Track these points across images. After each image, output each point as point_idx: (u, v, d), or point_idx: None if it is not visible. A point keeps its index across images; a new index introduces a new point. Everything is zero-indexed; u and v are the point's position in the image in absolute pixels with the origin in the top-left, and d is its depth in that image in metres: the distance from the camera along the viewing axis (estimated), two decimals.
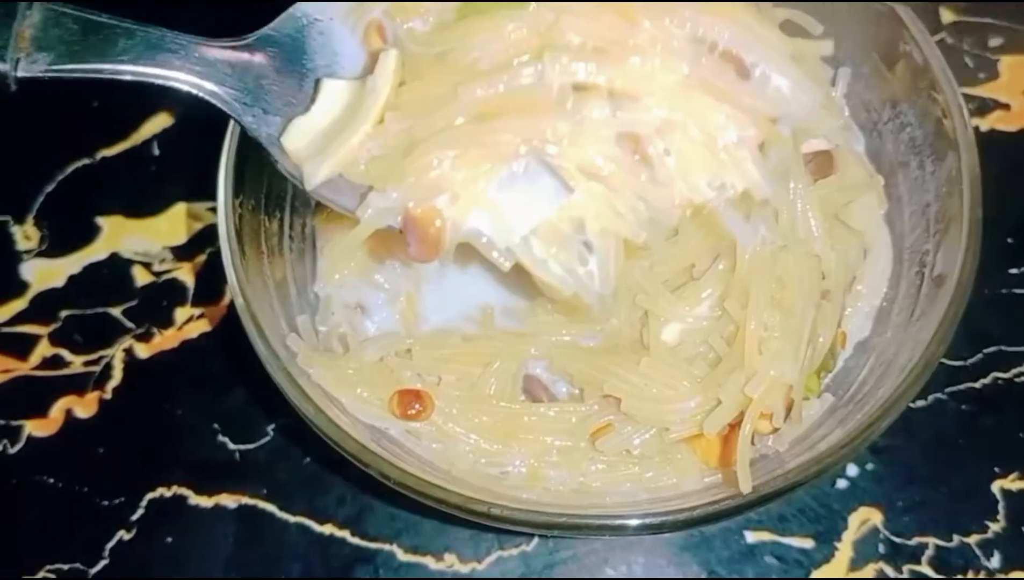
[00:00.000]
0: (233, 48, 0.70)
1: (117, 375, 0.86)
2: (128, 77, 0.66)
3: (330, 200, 0.67)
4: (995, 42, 0.96)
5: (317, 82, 0.70)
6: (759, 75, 0.67)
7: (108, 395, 0.85)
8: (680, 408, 0.68)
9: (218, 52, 0.69)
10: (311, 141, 0.68)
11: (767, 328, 0.67)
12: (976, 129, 0.86)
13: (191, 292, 0.90)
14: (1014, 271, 0.86)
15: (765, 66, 0.67)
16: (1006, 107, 0.93)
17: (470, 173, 0.63)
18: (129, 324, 0.88)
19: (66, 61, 0.65)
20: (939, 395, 0.81)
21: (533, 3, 0.67)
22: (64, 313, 0.89)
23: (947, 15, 0.97)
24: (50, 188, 0.95)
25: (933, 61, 0.72)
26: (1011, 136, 0.92)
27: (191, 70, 0.68)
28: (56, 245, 0.92)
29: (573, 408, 0.71)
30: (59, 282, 0.90)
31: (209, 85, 0.68)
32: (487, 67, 0.67)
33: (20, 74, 0.64)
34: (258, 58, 0.71)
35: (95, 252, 0.91)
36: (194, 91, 0.68)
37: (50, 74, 0.65)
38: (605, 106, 0.63)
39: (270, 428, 0.84)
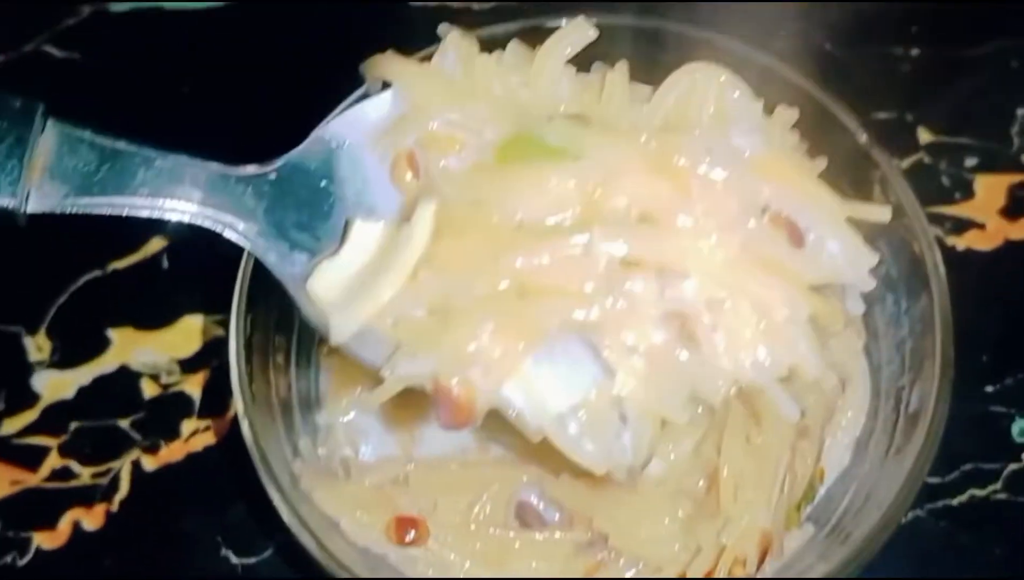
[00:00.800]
0: (258, 176, 0.67)
1: (124, 487, 0.85)
2: (145, 213, 0.63)
3: (355, 353, 0.63)
4: (971, 162, 0.96)
5: (347, 221, 0.66)
6: (813, 241, 0.63)
7: (115, 507, 0.85)
8: (664, 550, 0.68)
9: (241, 181, 0.66)
10: (339, 288, 0.65)
11: (741, 475, 0.68)
12: (952, 248, 0.91)
13: (197, 405, 0.89)
14: (990, 389, 0.86)
15: (820, 231, 0.63)
16: (982, 226, 0.93)
17: (508, 348, 0.59)
18: (137, 436, 0.87)
19: (81, 195, 0.61)
20: (918, 512, 0.80)
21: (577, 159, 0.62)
22: (74, 425, 0.88)
23: (924, 136, 0.98)
24: (62, 300, 0.93)
25: (906, 202, 0.72)
26: (986, 255, 0.92)
27: (212, 203, 0.64)
28: (67, 357, 0.91)
29: (563, 536, 0.71)
30: (69, 394, 0.89)
31: (231, 220, 0.65)
32: (529, 223, 0.62)
33: (31, 209, 0.61)
34: (284, 187, 0.67)
35: (105, 364, 0.90)
36: (216, 228, 0.64)
37: (62, 209, 0.61)
38: (653, 283, 0.59)
39: (273, 542, 0.83)
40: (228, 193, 0.65)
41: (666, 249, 0.60)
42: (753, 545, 0.67)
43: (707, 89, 0.66)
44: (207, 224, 0.64)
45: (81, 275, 0.96)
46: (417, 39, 0.73)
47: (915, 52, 1.04)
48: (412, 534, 0.70)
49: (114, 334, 0.93)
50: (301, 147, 0.68)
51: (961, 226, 0.94)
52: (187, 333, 0.94)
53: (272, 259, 0.65)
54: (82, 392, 0.89)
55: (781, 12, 1.00)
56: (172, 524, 0.83)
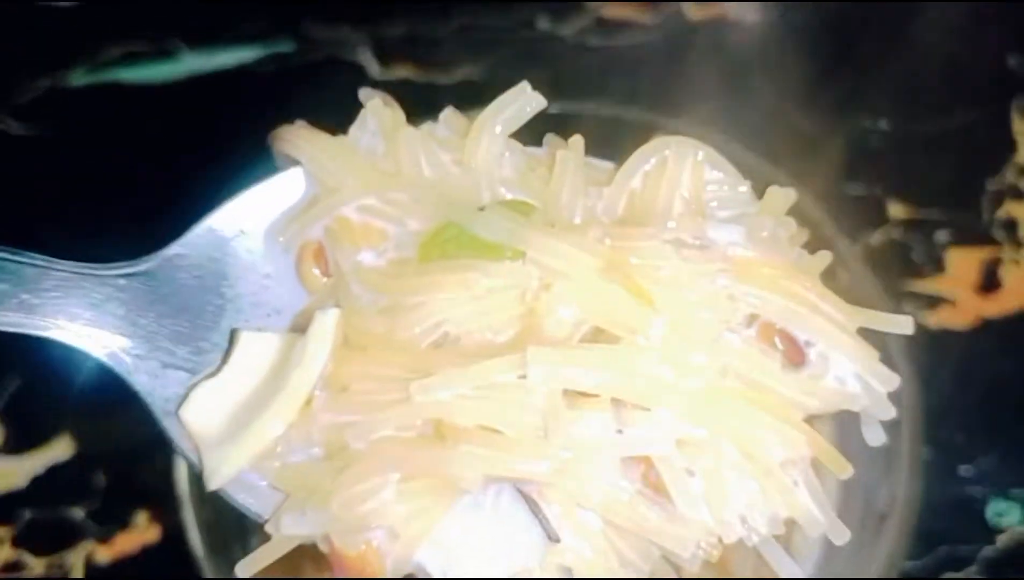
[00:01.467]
0: (128, 276, 0.55)
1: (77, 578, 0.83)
2: None
3: (234, 499, 0.49)
4: (942, 236, 0.95)
5: (233, 333, 0.52)
6: (815, 359, 0.49)
7: None
8: None
9: (108, 284, 0.54)
10: (218, 416, 0.51)
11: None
12: (924, 326, 0.90)
13: (152, 494, 0.86)
14: (965, 470, 0.84)
15: (824, 346, 0.48)
16: (953, 302, 0.92)
17: (418, 508, 0.45)
18: (91, 526, 0.85)
19: None
20: None
21: (516, 252, 0.48)
22: (26, 515, 0.86)
23: (894, 210, 0.96)
24: (14, 386, 0.91)
25: (873, 289, 0.69)
26: (958, 333, 0.92)
27: (72, 314, 0.53)
28: (19, 443, 0.89)
29: None
30: (21, 482, 0.88)
31: (87, 331, 0.53)
32: (454, 339, 0.48)
33: None
34: (161, 289, 0.56)
35: (58, 452, 0.88)
36: (75, 343, 0.51)
37: None
38: (608, 421, 0.45)
39: None
40: (85, 298, 0.53)
41: (624, 377, 0.45)
42: None
43: (680, 168, 0.52)
44: (54, 335, 0.50)
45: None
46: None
47: (884, 126, 1.01)
48: None
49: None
50: (188, 235, 0.57)
51: (933, 302, 0.92)
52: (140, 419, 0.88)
53: (140, 380, 0.52)
54: (35, 482, 0.87)
55: (751, 84, 1.01)
56: None
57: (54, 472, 0.88)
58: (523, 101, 0.56)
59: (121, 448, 0.88)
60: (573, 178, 0.54)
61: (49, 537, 0.85)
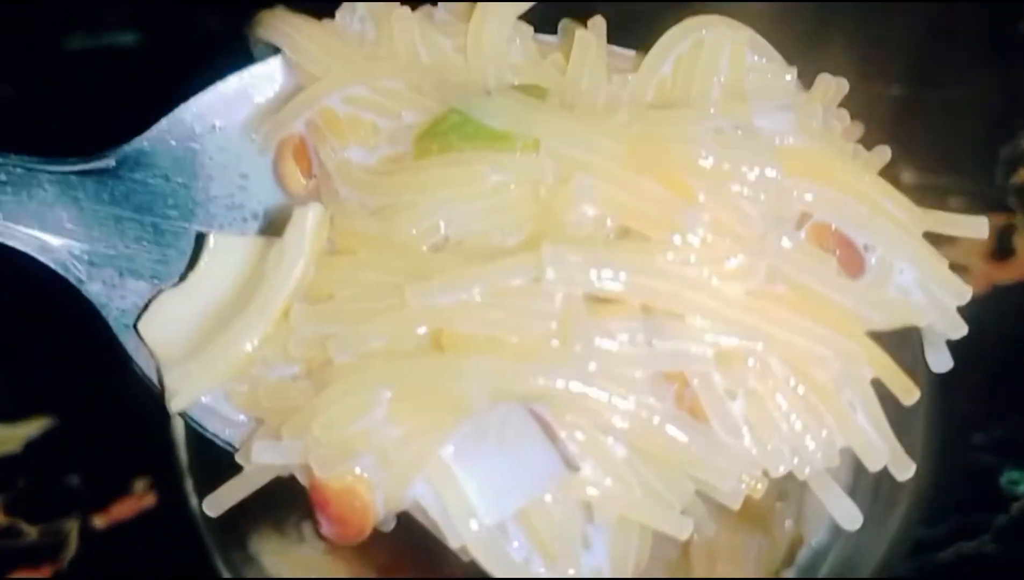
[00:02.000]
0: (84, 172, 0.48)
1: (72, 546, 0.82)
2: None
3: (200, 425, 0.42)
4: (955, 203, 0.93)
5: (200, 237, 0.45)
6: (876, 266, 0.41)
7: (63, 566, 0.81)
8: None
9: (60, 182, 0.47)
10: (182, 330, 0.44)
11: (713, 543, 0.66)
12: None
13: (149, 460, 0.83)
14: (978, 439, 0.82)
15: (887, 252, 0.41)
16: (966, 269, 0.89)
17: (414, 430, 0.37)
18: (86, 493, 0.83)
19: None
20: (903, 568, 0.74)
21: (528, 143, 0.41)
22: (20, 481, 0.84)
23: (907, 175, 0.93)
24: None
25: None
26: (973, 300, 0.82)
27: (15, 214, 0.46)
28: (13, 411, 0.86)
29: None
30: (15, 448, 0.85)
31: (34, 234, 0.47)
32: (456, 242, 0.41)
33: None
34: (119, 188, 0.49)
35: (53, 418, 0.86)
36: (19, 247, 0.46)
37: None
38: (636, 331, 0.38)
39: None
40: (34, 196, 0.47)
41: (655, 279, 0.38)
42: None
43: (718, 52, 0.45)
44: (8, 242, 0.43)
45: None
46: None
47: (898, 91, 0.99)
48: None
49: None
50: (153, 129, 0.50)
51: None
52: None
53: (95, 289, 0.46)
54: (30, 446, 0.85)
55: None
56: None
57: (49, 438, 0.87)
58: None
59: (117, 414, 0.83)
60: (594, 62, 0.46)
61: (44, 504, 0.84)
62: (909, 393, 0.42)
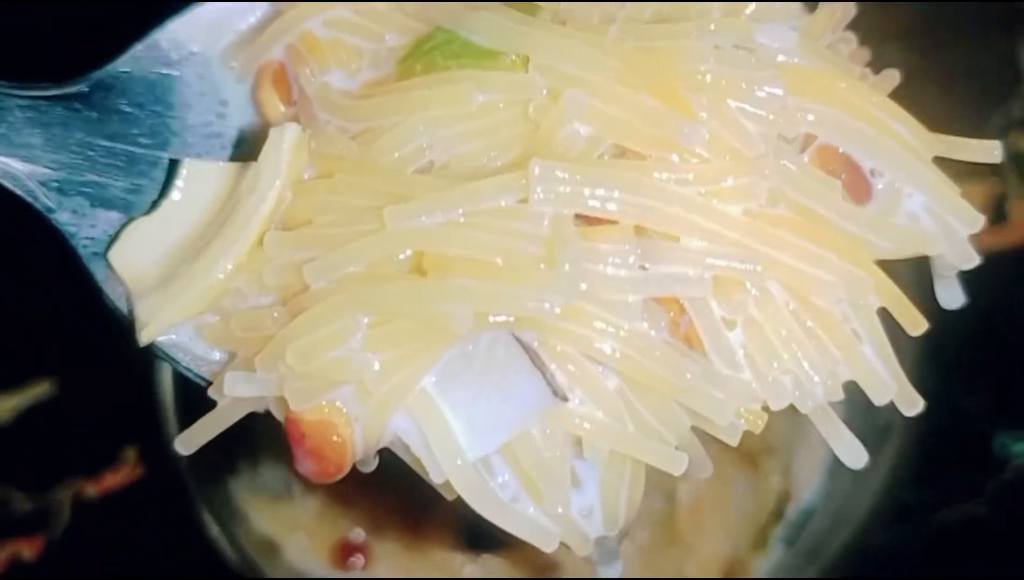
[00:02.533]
0: (54, 97, 0.46)
1: (65, 516, 0.82)
2: None
3: (173, 359, 0.40)
4: (946, 169, 0.89)
5: (173, 164, 0.42)
6: (884, 191, 0.39)
7: (55, 536, 0.81)
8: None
9: (28, 107, 0.45)
10: (155, 259, 0.41)
11: (699, 497, 0.67)
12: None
13: (140, 429, 0.82)
14: (971, 403, 0.82)
15: (895, 176, 0.39)
16: None
17: (394, 358, 0.35)
18: (78, 463, 0.83)
19: None
20: (896, 530, 0.76)
21: (516, 61, 0.38)
22: (11, 451, 0.84)
23: None
24: None
25: None
26: None
27: None
28: (3, 380, 0.86)
29: (515, 558, 0.67)
30: (7, 419, 0.85)
31: (5, 162, 0.44)
32: (442, 164, 0.39)
33: None
34: (91, 115, 0.47)
35: (43, 388, 0.86)
36: None
37: None
38: (629, 253, 0.35)
39: (220, 569, 0.76)
40: (3, 120, 0.44)
41: (650, 198, 0.35)
42: (715, 572, 0.65)
43: None
44: None
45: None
46: None
47: (888, 59, 0.92)
48: (356, 559, 0.69)
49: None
50: (125, 56, 0.48)
51: None
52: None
53: (64, 218, 0.43)
54: (21, 418, 0.85)
55: None
56: (114, 554, 0.80)
57: (40, 408, 0.86)
58: None
59: (108, 383, 0.85)
60: None
61: (36, 473, 0.84)
62: (917, 324, 0.40)
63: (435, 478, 0.39)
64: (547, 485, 0.39)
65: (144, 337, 0.42)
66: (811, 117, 0.40)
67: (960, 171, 0.88)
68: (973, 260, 0.41)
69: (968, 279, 0.85)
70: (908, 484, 0.69)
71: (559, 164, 0.37)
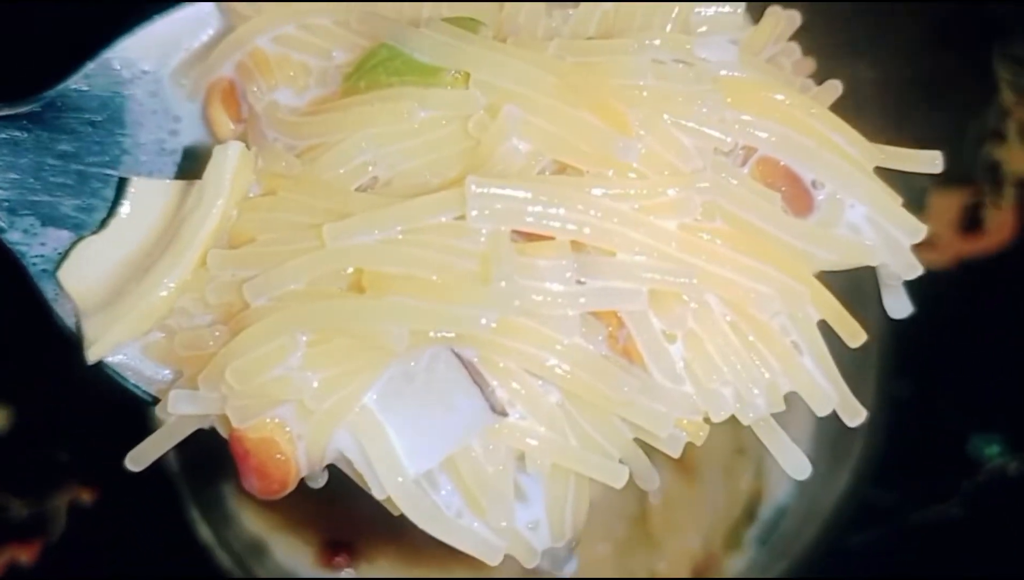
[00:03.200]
0: (5, 117, 0.47)
1: (61, 521, 0.83)
2: None
3: (120, 376, 0.40)
4: (923, 179, 0.86)
5: (122, 182, 0.43)
6: (824, 202, 0.39)
7: (52, 541, 0.82)
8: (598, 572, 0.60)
9: None
10: (102, 278, 0.42)
11: (670, 498, 0.68)
12: None
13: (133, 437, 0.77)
14: (945, 407, 0.83)
15: (836, 188, 0.39)
16: (934, 243, 0.91)
17: (334, 376, 0.35)
18: (75, 468, 0.84)
19: None
20: (874, 530, 0.78)
21: (458, 78, 0.39)
22: (9, 457, 0.85)
23: None
24: None
25: None
26: (939, 272, 0.90)
27: None
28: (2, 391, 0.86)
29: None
30: (4, 427, 0.85)
31: None
32: (385, 181, 0.39)
33: None
34: (44, 133, 0.48)
35: (40, 396, 0.86)
36: None
37: None
38: (566, 269, 0.35)
39: (214, 573, 0.79)
40: None
41: (585, 215, 0.36)
42: (685, 571, 0.66)
43: None
44: None
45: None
46: None
47: (867, 71, 0.97)
48: (342, 559, 0.70)
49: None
50: (76, 75, 0.48)
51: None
52: None
53: (14, 237, 0.43)
54: (19, 424, 0.86)
55: None
56: (111, 557, 0.81)
57: (37, 415, 0.87)
58: None
59: (100, 393, 0.84)
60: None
61: (33, 479, 0.84)
62: (855, 336, 0.40)
63: (377, 494, 0.39)
64: (490, 500, 0.39)
65: (91, 356, 0.42)
66: (750, 130, 0.40)
67: (936, 180, 0.88)
68: (916, 270, 0.41)
69: (945, 284, 0.88)
70: (882, 485, 0.70)
71: (495, 181, 0.37)
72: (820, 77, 0.88)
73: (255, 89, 0.46)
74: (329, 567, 0.72)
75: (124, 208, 0.45)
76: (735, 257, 0.39)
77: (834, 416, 0.59)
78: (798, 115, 0.41)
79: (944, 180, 0.89)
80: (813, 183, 0.42)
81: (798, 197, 0.41)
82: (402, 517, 0.67)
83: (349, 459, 0.40)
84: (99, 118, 0.48)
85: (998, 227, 0.95)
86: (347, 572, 0.72)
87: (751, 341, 0.39)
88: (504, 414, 0.38)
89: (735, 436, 0.70)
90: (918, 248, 0.77)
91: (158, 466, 0.70)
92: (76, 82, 0.48)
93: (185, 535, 0.82)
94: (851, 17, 0.99)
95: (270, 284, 0.39)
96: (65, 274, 0.44)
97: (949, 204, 0.95)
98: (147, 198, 0.45)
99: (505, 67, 0.41)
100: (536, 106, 0.40)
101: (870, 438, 0.70)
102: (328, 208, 0.40)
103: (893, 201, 0.41)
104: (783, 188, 0.41)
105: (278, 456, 0.40)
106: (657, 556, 0.69)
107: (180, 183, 0.44)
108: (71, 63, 0.50)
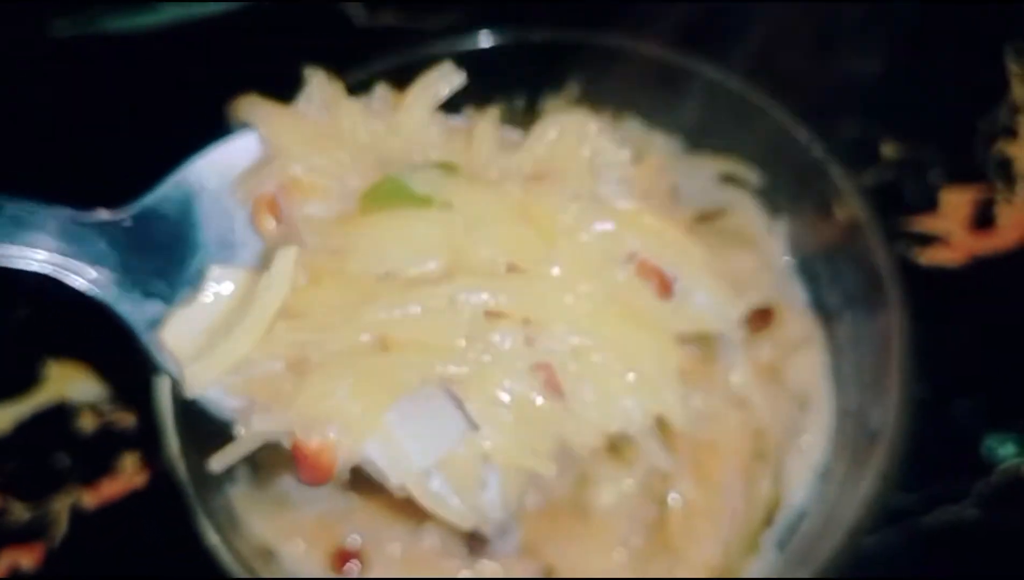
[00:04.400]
0: (110, 222, 0.64)
1: (63, 525, 0.85)
2: None
3: (210, 406, 0.62)
4: (935, 176, 0.95)
5: (205, 267, 0.64)
6: (680, 289, 0.62)
7: (54, 545, 0.84)
8: None
9: (94, 227, 0.63)
10: (193, 338, 0.62)
11: (690, 505, 0.68)
12: (917, 263, 0.89)
13: (138, 438, 0.88)
14: (959, 406, 0.84)
15: (687, 281, 0.62)
16: (946, 240, 0.92)
17: (367, 404, 0.57)
18: (76, 472, 0.86)
19: None
20: (888, 530, 0.78)
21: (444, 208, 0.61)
22: (10, 462, 0.87)
23: (887, 150, 0.96)
24: None
25: (863, 220, 0.72)
26: (953, 270, 0.91)
27: (61, 250, 0.62)
28: (3, 392, 0.90)
29: (514, 567, 0.71)
30: (6, 429, 0.89)
31: (80, 266, 0.62)
32: (394, 273, 0.61)
33: None
34: (139, 232, 0.65)
35: (43, 398, 0.90)
36: (62, 277, 0.62)
37: None
38: (519, 334, 0.58)
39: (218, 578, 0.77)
40: (79, 240, 0.62)
41: (531, 300, 0.59)
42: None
43: (577, 138, 0.65)
44: (52, 272, 0.62)
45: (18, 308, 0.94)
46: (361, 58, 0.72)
47: (877, 68, 1.00)
48: (353, 565, 0.70)
49: (52, 368, 0.91)
50: (158, 190, 0.66)
51: (926, 241, 0.92)
52: (127, 365, 0.87)
53: (125, 308, 0.63)
54: (20, 429, 0.89)
55: (740, 29, 0.98)
56: (112, 561, 0.82)
57: (39, 418, 0.89)
58: (445, 80, 0.67)
59: (106, 394, 0.90)
60: (490, 143, 0.66)
61: (34, 483, 0.86)
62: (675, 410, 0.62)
63: (394, 482, 0.61)
64: (466, 485, 0.61)
65: (190, 393, 0.61)
66: (632, 242, 0.63)
67: (947, 177, 0.92)
68: (739, 335, 0.65)
69: (958, 282, 0.89)
70: (897, 488, 0.66)
71: (475, 278, 0.59)
72: (832, 74, 0.96)
73: (293, 202, 0.67)
74: (340, 573, 0.71)
75: (207, 286, 0.64)
76: (625, 327, 0.61)
77: (852, 422, 0.71)
78: (663, 231, 0.64)
79: (955, 177, 0.94)
80: (674, 278, 0.65)
81: (663, 286, 0.64)
82: (412, 525, 0.73)
83: (373, 460, 0.61)
84: (176, 222, 0.65)
85: (1011, 223, 0.93)
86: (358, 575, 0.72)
87: (635, 382, 0.62)
88: (477, 428, 0.60)
89: (755, 442, 0.70)
90: (930, 245, 0.90)
91: (163, 471, 0.74)
92: (157, 196, 0.64)
93: (191, 540, 0.76)
94: (861, 12, 1.00)
95: (324, 345, 0.60)
96: (164, 333, 0.64)
97: (961, 201, 0.94)
98: (224, 280, 0.65)
99: (476, 200, 0.62)
100: (496, 225, 0.62)
101: (887, 441, 0.66)
102: (359, 295, 0.61)
103: (724, 289, 0.65)
104: (654, 280, 0.64)
105: (325, 460, 0.61)
106: (677, 563, 0.68)
107: (249, 271, 0.65)
108: (150, 179, 0.65)
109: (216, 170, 0.67)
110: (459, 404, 0.59)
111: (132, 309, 0.62)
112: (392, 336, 0.58)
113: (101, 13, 1.11)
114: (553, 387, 0.60)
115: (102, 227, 0.62)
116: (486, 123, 0.65)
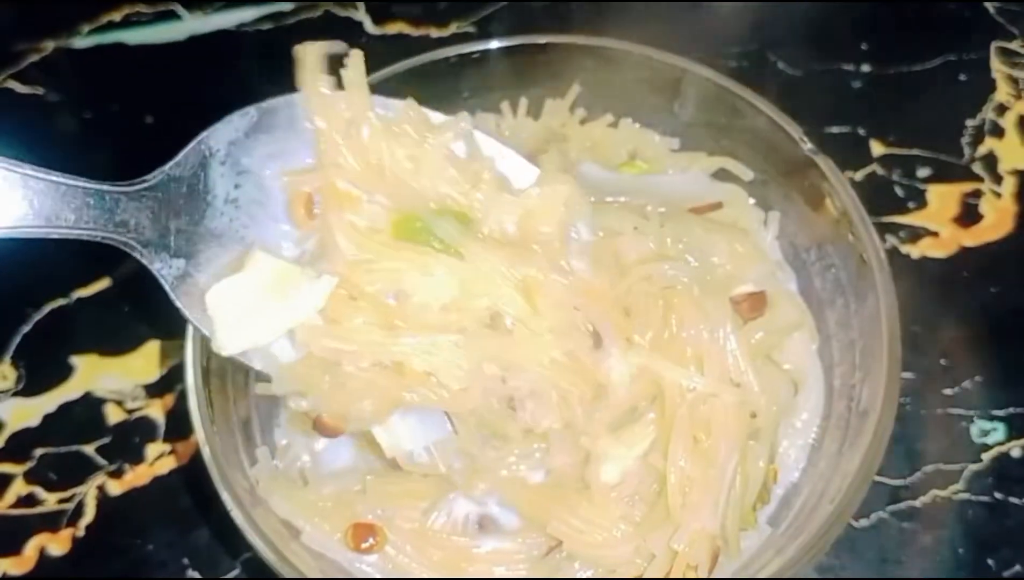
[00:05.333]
0: (138, 189, 0.70)
1: (90, 512, 0.89)
2: (22, 233, 0.62)
3: (241, 361, 0.76)
4: (923, 172, 0.98)
5: (250, 250, 0.76)
6: (607, 345, 0.83)
7: (81, 532, 0.88)
8: (618, 553, 0.71)
9: (124, 194, 0.69)
10: (233, 305, 0.73)
11: (688, 479, 0.69)
12: (907, 256, 0.94)
13: (162, 428, 0.93)
14: (949, 392, 0.86)
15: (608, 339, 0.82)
16: (935, 234, 0.95)
17: (379, 407, 0.76)
18: (102, 461, 0.91)
19: None
20: (881, 514, 0.82)
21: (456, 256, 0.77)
22: (39, 451, 0.92)
23: (877, 148, 1.00)
24: (26, 329, 0.99)
25: (852, 210, 0.76)
26: (941, 262, 0.94)
27: (100, 218, 0.67)
28: (32, 384, 0.95)
29: (521, 543, 0.75)
30: (35, 421, 0.93)
31: (119, 232, 0.68)
32: (406, 296, 0.77)
33: None
34: (164, 195, 0.71)
35: (70, 391, 0.95)
36: (97, 238, 0.67)
37: None
38: (498, 375, 0.78)
39: (239, 561, 0.87)
40: (115, 207, 0.67)
41: (512, 351, 0.77)
42: (704, 551, 0.68)
43: (553, 204, 0.80)
44: (100, 238, 0.66)
45: (45, 304, 1.00)
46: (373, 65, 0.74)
47: (866, 68, 1.03)
48: (370, 541, 0.74)
49: (78, 361, 0.97)
50: (178, 157, 0.71)
51: (915, 235, 0.95)
52: (151, 358, 0.98)
53: (157, 266, 0.69)
54: (47, 419, 0.93)
55: (733, 31, 1.03)
56: (138, 547, 0.86)
57: (66, 410, 0.93)
58: (457, 129, 0.79)
59: (128, 387, 0.94)
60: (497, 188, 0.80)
61: (61, 472, 0.90)
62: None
63: (388, 454, 0.79)
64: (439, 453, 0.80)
65: (223, 352, 0.72)
66: (589, 313, 0.85)
67: (935, 174, 0.95)
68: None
69: (946, 273, 0.91)
70: (888, 468, 0.69)
71: (479, 332, 0.79)
72: (822, 73, 1.02)
73: (334, 208, 0.80)
74: (359, 550, 0.74)
75: (250, 265, 0.71)
76: (569, 376, 0.84)
77: (844, 401, 0.73)
78: (604, 301, 0.86)
79: (943, 175, 0.96)
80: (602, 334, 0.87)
81: (597, 343, 0.85)
82: (426, 505, 0.76)
83: (376, 437, 0.80)
84: (193, 182, 0.71)
85: (997, 216, 0.95)
86: (374, 555, 0.74)
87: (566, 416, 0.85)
88: (457, 432, 0.81)
89: (751, 422, 0.70)
90: (921, 239, 0.94)
91: (186, 461, 0.88)
92: (177, 161, 0.70)
93: (214, 520, 0.85)
94: (853, 19, 1.04)
95: (358, 359, 0.78)
96: (211, 296, 0.70)
97: (949, 197, 0.97)
98: (265, 265, 0.75)
99: (483, 259, 0.75)
100: (495, 285, 0.80)
101: (879, 421, 0.67)
102: (384, 313, 0.78)
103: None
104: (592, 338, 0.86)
105: (340, 429, 0.78)
106: (675, 534, 0.69)
107: (290, 265, 0.77)
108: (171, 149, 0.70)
109: (222, 137, 0.73)
110: (446, 415, 0.78)
111: (162, 266, 0.69)
112: (408, 363, 0.75)
113: (122, 25, 1.13)
114: (514, 407, 0.77)
115: (130, 196, 0.68)
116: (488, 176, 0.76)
